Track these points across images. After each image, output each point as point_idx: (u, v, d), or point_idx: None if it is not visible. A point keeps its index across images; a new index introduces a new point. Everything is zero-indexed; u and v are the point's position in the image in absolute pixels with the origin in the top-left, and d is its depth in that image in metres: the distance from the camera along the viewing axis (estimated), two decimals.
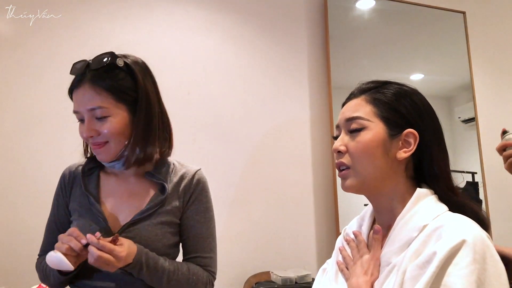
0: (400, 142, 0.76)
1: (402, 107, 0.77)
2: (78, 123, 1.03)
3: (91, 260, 0.89)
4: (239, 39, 2.27)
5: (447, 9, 2.72)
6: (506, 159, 1.20)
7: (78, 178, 1.10)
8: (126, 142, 1.02)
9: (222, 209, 2.08)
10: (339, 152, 0.79)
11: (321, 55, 2.41)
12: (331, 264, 0.91)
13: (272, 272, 1.96)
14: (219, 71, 2.20)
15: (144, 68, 1.07)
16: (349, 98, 0.84)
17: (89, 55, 1.04)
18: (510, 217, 2.64)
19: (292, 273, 1.91)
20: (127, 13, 2.06)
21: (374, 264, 0.74)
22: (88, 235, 0.89)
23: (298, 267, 2.07)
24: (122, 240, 0.94)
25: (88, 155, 1.11)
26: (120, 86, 0.99)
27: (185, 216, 1.09)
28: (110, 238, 0.91)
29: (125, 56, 1.05)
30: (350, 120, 0.79)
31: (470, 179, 2.59)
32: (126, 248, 0.92)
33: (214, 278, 1.11)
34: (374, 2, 2.55)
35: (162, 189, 1.07)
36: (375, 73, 2.54)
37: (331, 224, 2.26)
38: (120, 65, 1.00)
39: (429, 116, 0.79)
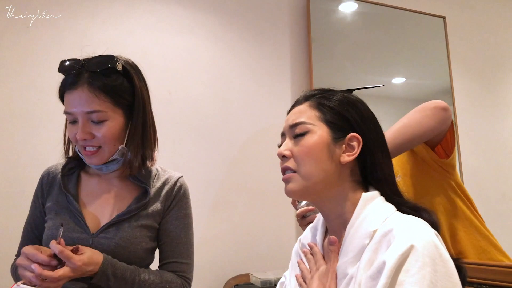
0: (344, 146, 0.77)
1: (346, 112, 0.78)
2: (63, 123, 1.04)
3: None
4: (222, 39, 2.25)
5: (428, 13, 2.76)
6: (307, 223, 1.17)
7: (57, 178, 1.09)
8: (120, 147, 1.02)
9: (203, 210, 2.06)
10: (283, 156, 0.79)
11: (304, 57, 2.42)
12: (288, 278, 0.90)
13: (251, 274, 1.95)
14: (201, 71, 2.18)
15: (138, 71, 1.07)
16: (293, 106, 0.85)
17: (82, 55, 1.03)
18: (488, 218, 2.68)
19: (271, 275, 1.90)
20: (109, 11, 2.03)
21: (331, 276, 0.72)
22: (51, 243, 0.87)
23: (278, 269, 2.06)
24: (85, 249, 0.91)
25: (70, 154, 1.10)
26: (119, 90, 0.99)
27: (164, 221, 1.09)
28: (71, 248, 0.90)
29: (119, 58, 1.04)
30: (294, 126, 0.79)
31: None
32: (86, 258, 0.89)
33: (189, 285, 1.10)
34: (356, 5, 2.56)
35: (144, 192, 1.07)
36: (357, 75, 2.56)
37: None
38: (119, 69, 0.99)
39: (373, 124, 0.80)
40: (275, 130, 2.27)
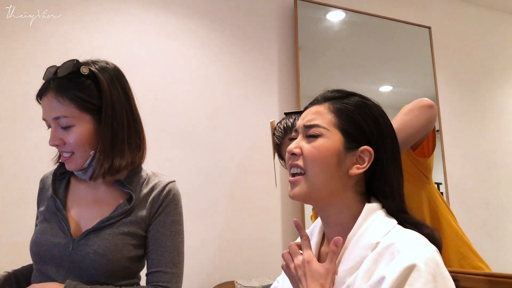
0: (355, 157, 0.75)
1: (363, 122, 0.76)
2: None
3: None
4: (209, 46, 2.25)
5: (414, 23, 2.80)
6: None
7: (49, 182, 1.10)
8: (92, 152, 1.00)
9: (187, 217, 2.02)
10: (293, 154, 0.78)
11: (291, 65, 2.43)
12: (281, 282, 0.89)
13: (236, 282, 1.94)
14: (188, 78, 2.18)
15: (113, 75, 1.04)
16: (311, 103, 0.82)
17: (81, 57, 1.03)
18: (472, 226, 2.72)
19: (256, 283, 1.89)
20: (96, 17, 2.02)
21: (331, 280, 0.71)
22: None
23: (263, 276, 2.06)
24: (37, 286, 0.92)
25: (61, 160, 1.09)
26: (84, 95, 0.97)
27: (150, 228, 1.05)
28: None
29: (93, 63, 1.02)
30: (308, 127, 0.78)
31: None
32: None
33: None
34: (344, 14, 2.59)
35: (130, 198, 1.04)
36: (344, 84, 2.56)
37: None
38: (84, 73, 0.98)
39: (390, 139, 0.78)
40: (261, 137, 2.28)
